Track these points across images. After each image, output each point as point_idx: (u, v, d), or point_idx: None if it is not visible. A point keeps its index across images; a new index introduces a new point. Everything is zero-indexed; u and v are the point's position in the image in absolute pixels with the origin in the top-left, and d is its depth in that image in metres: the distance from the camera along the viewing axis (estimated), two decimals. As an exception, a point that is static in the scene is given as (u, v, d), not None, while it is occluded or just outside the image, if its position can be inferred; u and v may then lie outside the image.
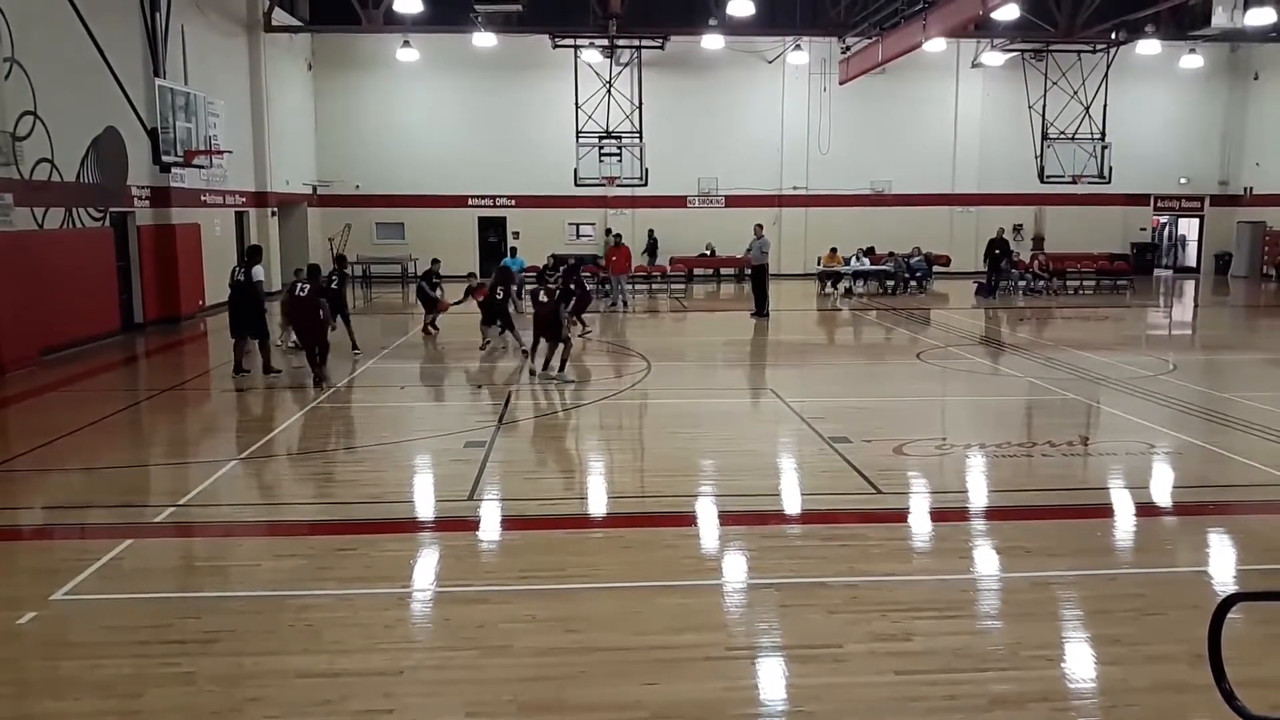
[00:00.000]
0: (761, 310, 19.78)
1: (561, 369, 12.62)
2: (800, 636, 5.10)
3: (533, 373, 12.78)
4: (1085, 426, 10.35)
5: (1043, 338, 17.82)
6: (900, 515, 7.24)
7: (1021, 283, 25.29)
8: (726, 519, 7.15)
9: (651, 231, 29.09)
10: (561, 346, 12.66)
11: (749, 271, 21.63)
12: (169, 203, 18.70)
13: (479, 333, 15.34)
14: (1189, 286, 28.86)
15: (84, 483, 8.29)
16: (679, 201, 29.53)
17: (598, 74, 26.41)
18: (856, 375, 14.29)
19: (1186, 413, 10.67)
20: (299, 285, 12.88)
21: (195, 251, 19.60)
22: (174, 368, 15.10)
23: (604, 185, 25.98)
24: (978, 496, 7.88)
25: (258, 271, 13.06)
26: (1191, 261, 32.75)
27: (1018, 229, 24.70)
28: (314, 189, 28.26)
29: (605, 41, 26.26)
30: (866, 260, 26.36)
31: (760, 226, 20.57)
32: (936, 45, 23.62)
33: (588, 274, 25.13)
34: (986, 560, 6.37)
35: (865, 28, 24.28)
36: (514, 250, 25.84)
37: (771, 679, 4.75)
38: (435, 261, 17.84)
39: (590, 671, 4.70)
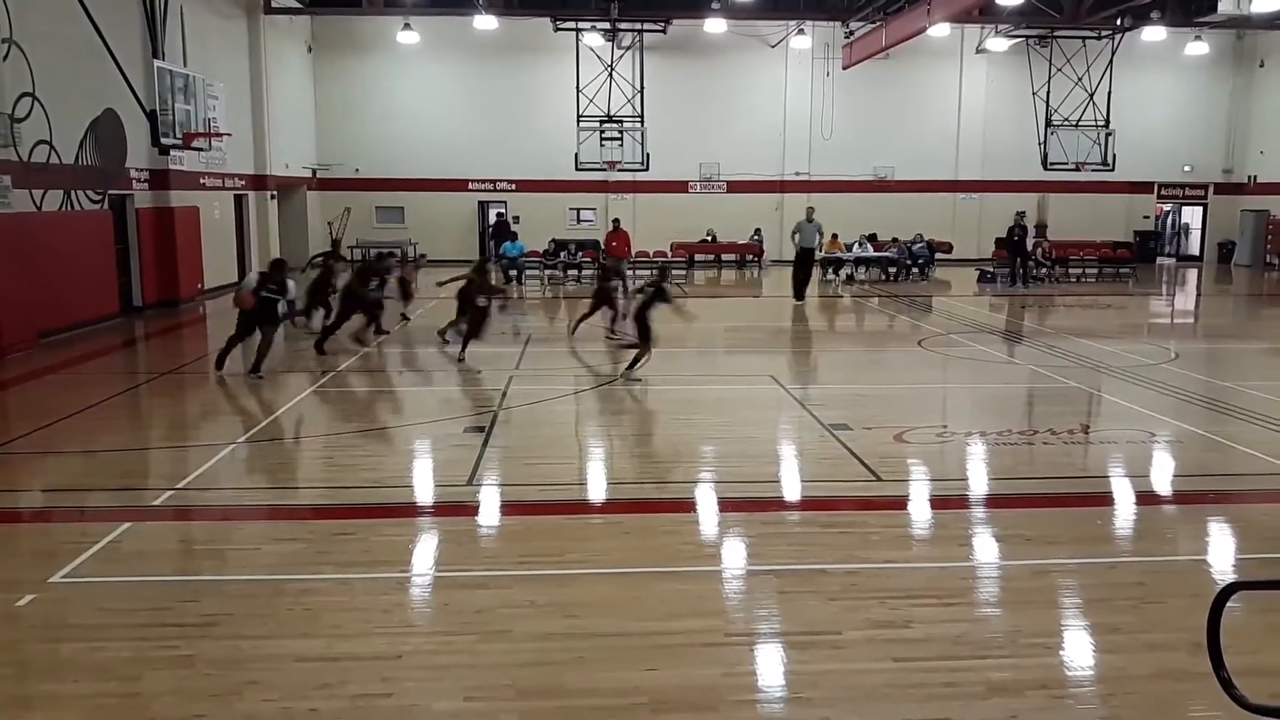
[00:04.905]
0: (800, 294, 19.91)
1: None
2: (799, 623, 5.10)
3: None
4: (1086, 415, 10.34)
5: (1045, 325, 17.79)
6: (900, 503, 7.23)
7: (1022, 270, 25.19)
8: (726, 505, 7.14)
9: (501, 214, 28.40)
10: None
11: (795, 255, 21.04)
12: (168, 185, 18.61)
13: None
14: (1192, 275, 28.77)
15: (83, 465, 8.28)
16: (681, 186, 29.40)
17: (599, 57, 26.26)
18: (858, 362, 14.27)
19: (1188, 401, 10.65)
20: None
21: (194, 234, 19.54)
22: (173, 351, 15.07)
23: (605, 170, 25.89)
24: (978, 484, 7.88)
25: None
26: (1195, 250, 32.62)
27: (1020, 215, 24.60)
28: (313, 172, 28.15)
29: (607, 25, 26.09)
30: (869, 247, 26.27)
31: (812, 209, 20.71)
32: (940, 30, 23.45)
33: (588, 259, 25.14)
34: (986, 548, 6.36)
35: (869, 12, 24.12)
36: (514, 235, 25.77)
37: (770, 665, 4.75)
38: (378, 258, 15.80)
39: (589, 657, 4.70)
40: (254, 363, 11.69)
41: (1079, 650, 4.93)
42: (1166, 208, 32.57)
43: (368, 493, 7.45)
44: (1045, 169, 26.91)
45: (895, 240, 26.20)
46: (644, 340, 11.65)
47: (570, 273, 25.27)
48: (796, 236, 20.53)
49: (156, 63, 17.10)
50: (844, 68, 27.28)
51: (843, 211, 28.35)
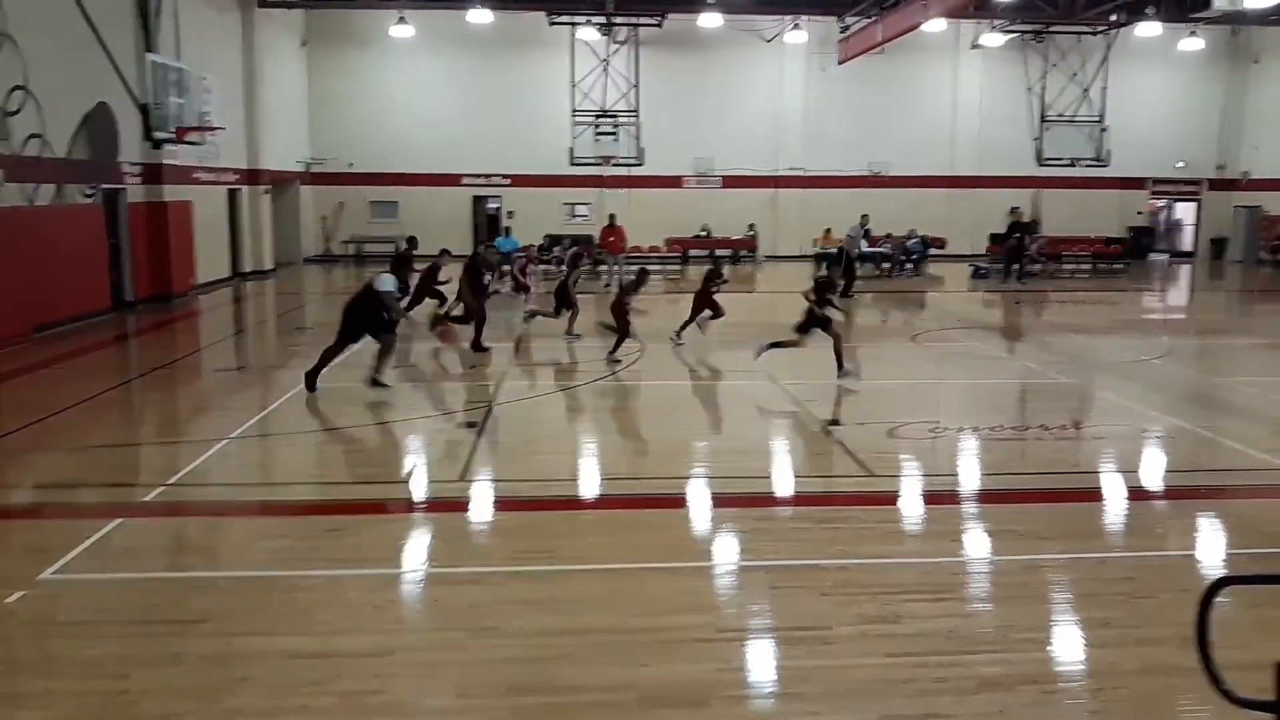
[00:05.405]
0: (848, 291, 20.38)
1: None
2: (791, 618, 5.11)
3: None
4: (1078, 410, 10.36)
5: (1038, 321, 17.82)
6: (892, 498, 7.24)
7: (1015, 266, 25.23)
8: (719, 501, 7.14)
9: (496, 209, 28.77)
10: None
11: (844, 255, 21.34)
12: (160, 180, 18.54)
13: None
14: (1184, 271, 28.84)
15: (74, 461, 8.25)
16: (675, 181, 29.37)
17: (594, 52, 26.24)
18: (851, 358, 14.24)
19: (1180, 397, 10.68)
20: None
21: (187, 229, 19.47)
22: (165, 346, 15.02)
23: (600, 165, 25.85)
24: (970, 480, 7.89)
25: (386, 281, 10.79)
26: (1188, 246, 32.67)
27: (1014, 211, 24.62)
28: (307, 167, 28.06)
29: (602, 19, 26.06)
30: (863, 242, 26.24)
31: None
32: (936, 26, 23.45)
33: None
34: (977, 543, 6.37)
35: (865, 7, 24.10)
36: (508, 230, 25.74)
37: (761, 660, 4.76)
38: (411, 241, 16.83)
39: (581, 653, 4.70)
40: (377, 369, 10.62)
41: (1069, 645, 4.94)
42: (1160, 203, 32.62)
43: (359, 489, 7.44)
44: (1039, 164, 26.95)
45: (889, 235, 26.21)
46: (826, 330, 11.35)
47: (563, 268, 25.20)
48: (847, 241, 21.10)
49: (149, 56, 17.02)
50: (839, 63, 27.22)
51: (837, 206, 28.41)
